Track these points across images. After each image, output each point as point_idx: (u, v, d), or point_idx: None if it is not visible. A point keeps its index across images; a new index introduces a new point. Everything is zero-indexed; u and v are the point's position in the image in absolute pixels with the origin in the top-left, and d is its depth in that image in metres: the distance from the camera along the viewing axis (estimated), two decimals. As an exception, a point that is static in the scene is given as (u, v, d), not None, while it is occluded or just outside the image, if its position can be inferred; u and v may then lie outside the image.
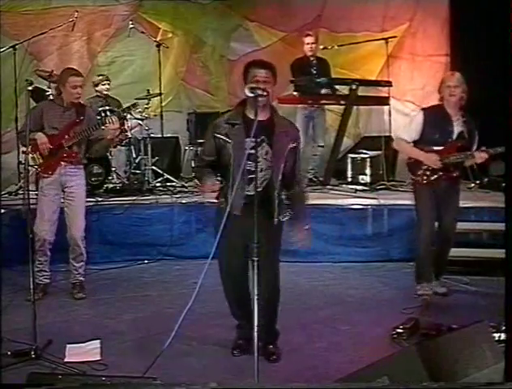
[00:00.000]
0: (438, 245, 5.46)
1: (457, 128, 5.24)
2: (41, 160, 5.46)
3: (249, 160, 3.89)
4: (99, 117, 6.19)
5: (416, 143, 5.32)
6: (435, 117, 5.27)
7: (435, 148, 5.22)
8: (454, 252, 5.75)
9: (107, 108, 7.36)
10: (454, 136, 5.25)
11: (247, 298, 4.15)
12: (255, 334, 3.41)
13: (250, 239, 3.61)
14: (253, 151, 3.85)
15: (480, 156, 5.19)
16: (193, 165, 8.05)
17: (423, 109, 5.49)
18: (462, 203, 6.52)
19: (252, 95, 3.78)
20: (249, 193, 3.98)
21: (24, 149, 5.44)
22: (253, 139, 3.82)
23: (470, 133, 5.26)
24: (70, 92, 5.41)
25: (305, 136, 7.84)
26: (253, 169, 3.88)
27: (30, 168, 5.10)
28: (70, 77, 5.42)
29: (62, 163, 5.46)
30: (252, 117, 3.90)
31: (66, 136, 5.44)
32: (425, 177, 5.26)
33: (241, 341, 4.32)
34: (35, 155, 5.45)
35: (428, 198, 5.30)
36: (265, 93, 3.82)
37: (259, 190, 3.89)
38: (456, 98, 5.21)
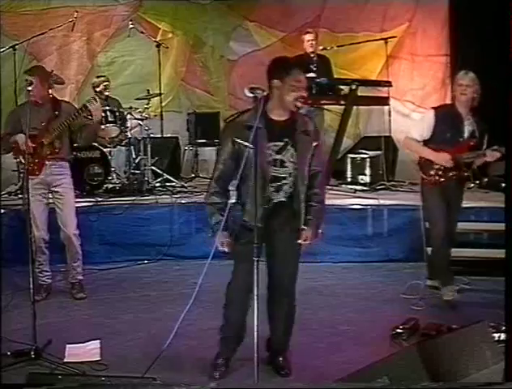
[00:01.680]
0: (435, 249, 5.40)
1: (468, 127, 5.18)
2: (27, 162, 5.29)
3: (274, 166, 3.75)
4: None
5: (426, 143, 5.24)
6: (446, 116, 5.19)
7: (446, 148, 5.15)
8: (454, 252, 5.75)
9: (107, 108, 7.37)
10: (466, 135, 5.18)
11: (244, 323, 3.98)
12: (255, 334, 3.40)
13: (275, 255, 3.59)
14: (278, 156, 3.76)
15: (492, 155, 5.10)
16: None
17: (434, 108, 5.39)
18: (463, 203, 6.54)
19: (251, 95, 3.65)
20: (275, 200, 3.80)
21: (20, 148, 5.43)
22: (278, 143, 3.74)
23: (481, 132, 5.20)
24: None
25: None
26: (279, 175, 3.76)
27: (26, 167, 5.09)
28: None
29: (47, 162, 5.42)
30: (275, 118, 3.77)
31: (45, 133, 5.39)
32: (437, 177, 5.19)
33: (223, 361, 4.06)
34: (20, 157, 5.45)
35: (439, 197, 5.23)
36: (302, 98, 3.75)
37: (288, 195, 3.81)
38: (467, 97, 5.11)
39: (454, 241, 5.43)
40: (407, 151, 5.67)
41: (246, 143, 3.60)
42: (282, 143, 3.76)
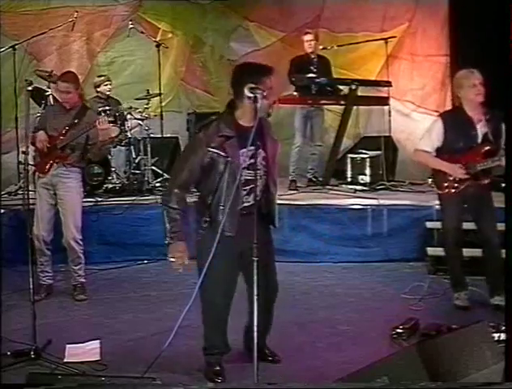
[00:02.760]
0: (486, 255, 5.17)
1: (481, 130, 4.89)
2: (38, 159, 5.52)
3: (247, 170, 3.76)
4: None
5: (438, 153, 4.97)
6: (456, 122, 4.91)
7: (459, 156, 4.89)
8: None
9: (107, 108, 7.36)
10: (479, 140, 4.90)
11: (226, 327, 4.03)
12: (255, 334, 3.41)
13: (247, 257, 3.52)
14: (252, 161, 3.75)
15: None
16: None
17: (441, 115, 5.13)
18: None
19: (251, 95, 3.64)
20: (247, 204, 3.80)
21: (24, 149, 5.45)
22: (252, 148, 3.72)
23: (495, 132, 4.85)
24: (61, 97, 5.59)
25: (303, 136, 7.86)
26: (251, 178, 3.73)
27: (29, 167, 5.13)
28: (59, 82, 5.58)
29: (54, 164, 5.46)
30: (245, 125, 3.75)
31: (61, 137, 5.46)
32: (452, 190, 4.94)
33: (218, 367, 4.04)
34: (35, 153, 5.54)
35: (456, 207, 5.01)
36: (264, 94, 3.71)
37: (258, 198, 3.80)
38: (482, 97, 4.83)
39: (497, 246, 5.00)
40: (417, 160, 5.27)
41: (218, 151, 3.70)
42: (253, 148, 3.75)
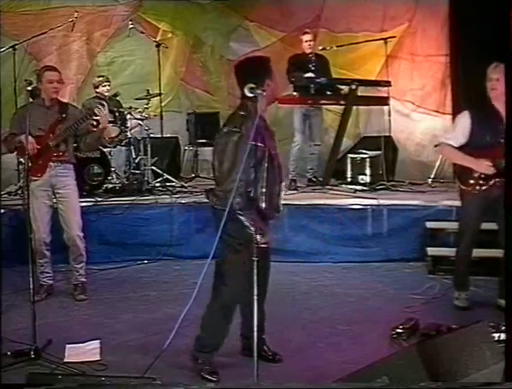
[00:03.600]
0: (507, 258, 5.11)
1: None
2: (30, 163, 5.25)
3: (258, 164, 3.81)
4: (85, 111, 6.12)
5: (463, 148, 4.80)
6: (483, 116, 4.74)
7: (486, 152, 4.69)
8: (453, 252, 5.71)
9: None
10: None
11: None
12: (255, 334, 3.41)
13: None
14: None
15: None
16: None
17: (468, 110, 4.88)
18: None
19: (251, 95, 3.70)
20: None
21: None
22: (260, 143, 3.78)
23: None
24: (46, 87, 5.39)
25: (302, 135, 7.86)
26: (263, 173, 3.81)
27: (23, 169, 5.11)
28: (46, 72, 5.43)
29: (51, 163, 5.43)
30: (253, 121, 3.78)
31: (51, 135, 5.41)
32: (478, 186, 4.76)
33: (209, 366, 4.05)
34: (22, 158, 5.39)
35: (477, 207, 4.83)
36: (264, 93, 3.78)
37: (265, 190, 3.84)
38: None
39: None
40: (444, 157, 5.07)
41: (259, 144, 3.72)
42: (261, 144, 3.81)
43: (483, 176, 4.75)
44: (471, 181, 4.79)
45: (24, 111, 5.32)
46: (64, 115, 5.45)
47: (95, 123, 5.49)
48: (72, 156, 5.59)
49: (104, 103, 5.54)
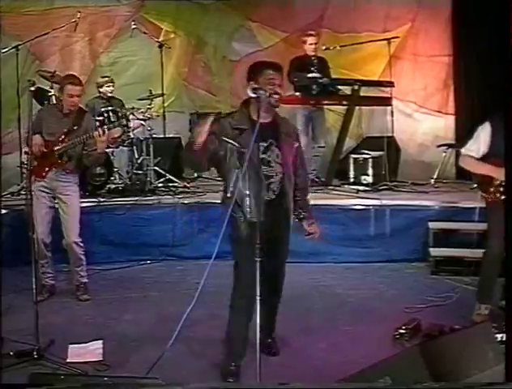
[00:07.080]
0: None
1: None
2: (35, 163, 5.35)
3: (262, 165, 3.88)
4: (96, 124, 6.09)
5: (484, 157, 4.73)
6: (503, 126, 4.49)
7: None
8: (456, 252, 5.75)
9: (109, 108, 7.37)
10: None
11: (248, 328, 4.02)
12: (257, 334, 3.40)
13: (271, 242, 3.69)
14: (264, 156, 3.90)
15: None
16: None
17: (490, 120, 4.76)
18: (464, 204, 6.55)
19: (254, 95, 3.72)
20: (267, 198, 3.90)
21: (26, 149, 5.45)
22: (263, 144, 3.86)
23: None
24: (66, 99, 5.41)
25: (305, 137, 7.85)
26: (267, 174, 3.90)
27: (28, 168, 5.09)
28: (68, 85, 5.39)
29: (53, 168, 5.45)
30: (260, 121, 3.77)
31: (60, 143, 5.42)
32: (498, 194, 4.67)
33: (234, 367, 4.05)
34: (29, 156, 5.40)
35: (502, 215, 4.55)
36: (277, 95, 3.83)
37: (276, 193, 3.96)
38: None
39: None
40: (463, 166, 5.02)
41: (232, 142, 3.83)
42: (266, 144, 3.91)
43: (503, 183, 4.66)
44: (492, 189, 4.75)
45: (43, 113, 5.56)
46: (76, 127, 5.45)
47: (94, 147, 5.43)
48: (75, 167, 5.55)
49: (106, 129, 5.45)
